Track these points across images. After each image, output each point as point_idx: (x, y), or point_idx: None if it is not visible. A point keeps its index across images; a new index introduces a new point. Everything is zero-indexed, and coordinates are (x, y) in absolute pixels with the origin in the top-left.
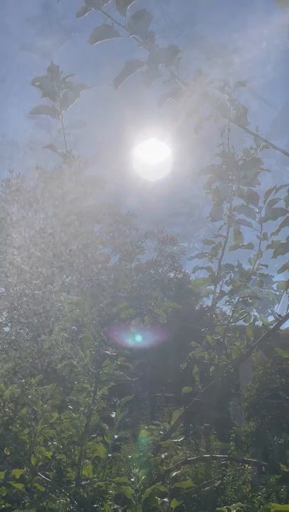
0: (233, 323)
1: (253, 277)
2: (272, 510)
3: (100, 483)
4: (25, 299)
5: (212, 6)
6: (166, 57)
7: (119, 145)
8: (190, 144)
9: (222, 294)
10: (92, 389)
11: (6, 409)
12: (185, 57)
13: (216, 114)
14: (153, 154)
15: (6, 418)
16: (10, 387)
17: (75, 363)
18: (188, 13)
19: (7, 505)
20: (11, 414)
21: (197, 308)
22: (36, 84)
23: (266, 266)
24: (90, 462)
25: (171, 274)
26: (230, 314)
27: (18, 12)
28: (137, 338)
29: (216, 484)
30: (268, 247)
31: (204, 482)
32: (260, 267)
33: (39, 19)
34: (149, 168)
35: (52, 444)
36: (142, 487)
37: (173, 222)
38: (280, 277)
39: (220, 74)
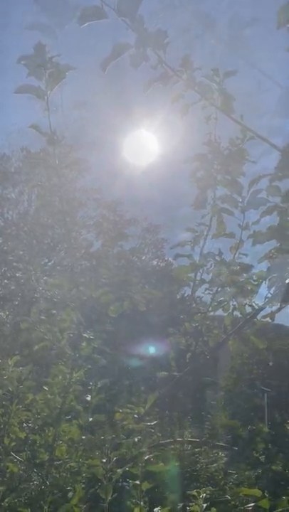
0: (211, 312)
1: (233, 266)
2: (241, 494)
3: (72, 464)
4: (6, 281)
5: None
6: (153, 41)
7: (109, 130)
8: (180, 130)
9: (201, 281)
10: (69, 371)
11: None
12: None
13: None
14: (142, 140)
15: None
16: None
17: (52, 345)
18: None
19: None
20: None
21: (178, 296)
22: (22, 62)
23: (246, 255)
24: (64, 444)
25: (154, 262)
26: (210, 303)
27: None
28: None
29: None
30: (249, 236)
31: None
32: (241, 256)
33: None
34: (137, 153)
35: (27, 425)
36: (113, 468)
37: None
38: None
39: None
